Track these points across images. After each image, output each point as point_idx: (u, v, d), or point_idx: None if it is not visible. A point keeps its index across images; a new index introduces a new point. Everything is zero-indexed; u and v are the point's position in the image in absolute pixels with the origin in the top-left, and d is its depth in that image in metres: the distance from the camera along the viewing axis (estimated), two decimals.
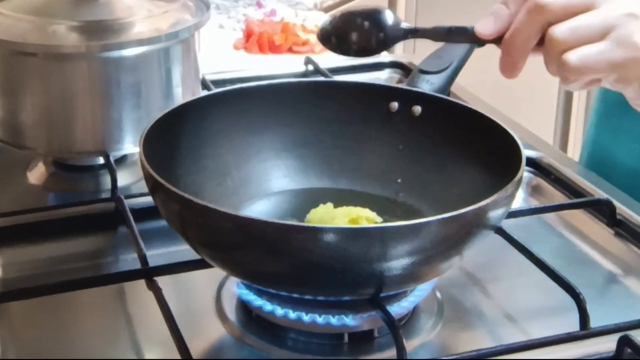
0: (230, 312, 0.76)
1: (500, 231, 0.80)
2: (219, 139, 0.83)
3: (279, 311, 0.71)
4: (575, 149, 2.49)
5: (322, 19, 1.51)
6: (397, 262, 0.65)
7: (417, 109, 0.83)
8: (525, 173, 0.87)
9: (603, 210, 0.90)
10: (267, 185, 0.85)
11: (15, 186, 0.97)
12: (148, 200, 0.75)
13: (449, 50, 0.93)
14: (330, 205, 0.78)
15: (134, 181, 0.95)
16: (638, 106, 0.80)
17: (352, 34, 0.79)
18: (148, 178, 0.70)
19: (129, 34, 0.90)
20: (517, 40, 0.72)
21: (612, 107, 1.06)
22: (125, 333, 0.75)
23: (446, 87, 0.88)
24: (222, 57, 1.34)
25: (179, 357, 0.67)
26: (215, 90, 0.89)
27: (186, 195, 0.66)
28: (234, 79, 1.15)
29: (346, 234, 0.64)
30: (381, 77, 1.26)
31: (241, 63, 1.32)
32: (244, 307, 0.76)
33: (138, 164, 0.84)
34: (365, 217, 0.77)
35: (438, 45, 0.95)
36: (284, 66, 1.25)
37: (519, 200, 0.96)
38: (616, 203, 0.89)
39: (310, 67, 1.21)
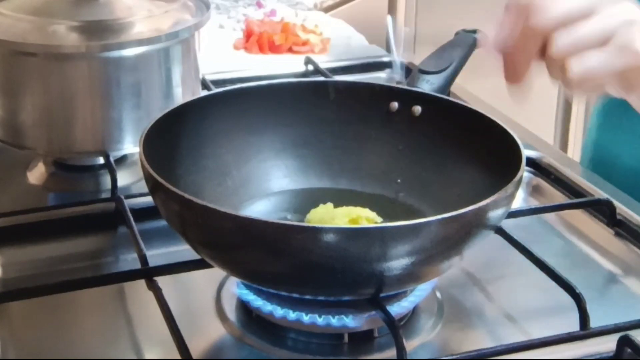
0: (230, 312, 0.76)
1: (500, 231, 0.80)
2: (219, 139, 0.83)
3: (279, 311, 0.71)
4: (575, 149, 2.48)
5: (323, 20, 1.51)
6: (397, 262, 0.65)
7: (417, 109, 0.83)
8: (525, 173, 0.87)
9: (603, 210, 0.90)
10: (267, 185, 0.85)
11: (15, 186, 0.97)
12: (148, 200, 0.75)
13: (449, 50, 0.93)
14: (330, 205, 0.78)
15: (134, 181, 0.95)
16: None
17: None
18: (148, 178, 0.70)
19: (129, 34, 0.90)
20: (519, 51, 0.72)
21: (613, 107, 1.06)
22: (125, 333, 0.75)
23: (446, 87, 0.88)
24: (222, 57, 1.34)
25: (179, 357, 0.67)
26: (215, 90, 0.89)
27: (186, 195, 0.66)
28: (234, 79, 1.15)
29: (346, 234, 0.64)
30: (381, 77, 1.26)
31: (241, 63, 1.31)
32: (244, 307, 0.76)
33: (138, 164, 0.84)
34: (365, 217, 0.77)
35: (438, 45, 0.95)
36: (284, 66, 1.25)
37: (519, 200, 0.96)
38: (616, 203, 0.89)
39: (310, 67, 1.21)
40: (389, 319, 0.68)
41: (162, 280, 0.74)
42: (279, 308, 0.71)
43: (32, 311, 0.76)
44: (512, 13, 0.74)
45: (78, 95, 0.90)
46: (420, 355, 0.71)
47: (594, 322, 0.72)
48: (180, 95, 0.95)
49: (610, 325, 0.72)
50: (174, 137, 0.80)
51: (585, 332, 0.72)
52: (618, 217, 0.89)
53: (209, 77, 1.10)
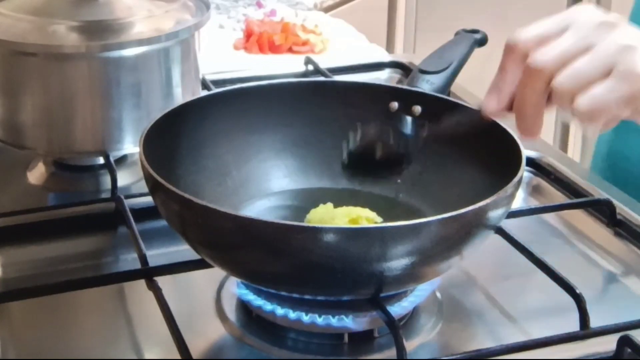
0: (230, 312, 0.76)
1: (500, 231, 0.80)
2: (219, 139, 0.83)
3: (279, 311, 0.71)
4: (575, 149, 2.49)
5: (323, 20, 1.51)
6: (397, 262, 0.65)
7: (417, 109, 0.83)
8: (525, 173, 0.87)
9: (603, 210, 0.90)
10: (267, 185, 0.85)
11: (15, 186, 0.97)
12: (148, 200, 0.75)
13: (449, 50, 0.93)
14: (330, 205, 0.78)
15: (134, 181, 0.95)
16: None
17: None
18: (148, 178, 0.70)
19: (129, 34, 0.90)
20: (527, 107, 0.72)
21: None
22: (125, 333, 0.75)
23: (446, 87, 0.88)
24: (222, 57, 1.34)
25: (179, 357, 0.67)
26: (215, 90, 0.89)
27: (186, 195, 0.66)
28: (234, 79, 1.15)
29: (346, 234, 0.64)
30: (381, 77, 1.26)
31: (241, 63, 1.32)
32: (244, 307, 0.76)
33: (138, 164, 0.84)
34: (365, 217, 0.77)
35: (438, 45, 0.95)
36: (284, 66, 1.25)
37: (519, 200, 0.96)
38: (616, 203, 0.89)
39: (310, 67, 1.21)
40: (389, 319, 0.68)
41: (162, 280, 0.75)
42: (279, 308, 0.71)
43: (32, 311, 0.76)
44: (511, 66, 0.73)
45: (78, 95, 0.90)
46: (420, 355, 0.71)
47: (594, 322, 0.72)
48: (180, 95, 0.95)
49: (610, 325, 0.72)
50: (174, 137, 0.80)
51: (585, 332, 0.72)
52: (618, 217, 0.89)
53: (209, 77, 1.10)
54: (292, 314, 0.71)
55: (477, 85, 1.17)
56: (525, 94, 0.72)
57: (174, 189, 0.67)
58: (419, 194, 0.83)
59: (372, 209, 0.78)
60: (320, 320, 0.71)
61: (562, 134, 2.50)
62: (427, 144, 0.82)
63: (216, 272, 0.75)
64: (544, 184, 0.98)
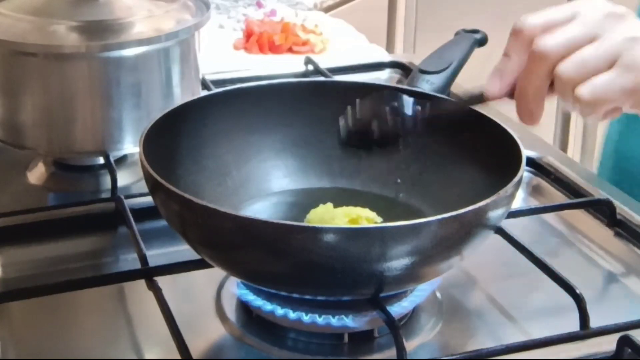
0: (230, 312, 0.76)
1: (500, 231, 0.80)
2: (219, 139, 0.83)
3: (279, 311, 0.71)
4: (575, 149, 2.49)
5: (323, 20, 1.51)
6: (397, 262, 0.65)
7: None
8: (525, 173, 0.87)
9: (603, 210, 0.90)
10: (267, 185, 0.85)
11: (15, 186, 0.97)
12: (148, 200, 0.75)
13: (449, 50, 0.93)
14: (330, 205, 0.78)
15: (134, 181, 0.95)
16: None
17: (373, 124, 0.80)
18: (148, 178, 0.70)
19: (129, 34, 0.90)
20: (529, 91, 0.72)
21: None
22: (125, 333, 0.75)
23: (446, 87, 0.88)
24: (222, 57, 1.34)
25: (179, 357, 0.67)
26: (215, 90, 0.89)
27: (186, 195, 0.66)
28: (234, 79, 1.15)
29: (346, 234, 0.64)
30: (381, 77, 1.26)
31: (241, 63, 1.32)
32: (244, 307, 0.76)
33: (138, 164, 0.84)
34: (365, 217, 0.77)
35: (438, 45, 0.95)
36: (284, 66, 1.25)
37: (519, 200, 0.96)
38: (616, 203, 0.89)
39: (310, 67, 1.21)
40: (389, 319, 0.68)
41: (162, 280, 0.74)
42: (279, 308, 0.71)
43: (32, 311, 0.76)
44: (515, 51, 0.73)
45: (78, 95, 0.90)
46: (420, 355, 0.71)
47: (594, 322, 0.72)
48: (180, 95, 0.95)
49: (610, 325, 0.72)
50: (174, 137, 0.80)
51: (585, 332, 0.72)
52: (618, 217, 0.89)
53: (209, 77, 1.10)
54: (292, 314, 0.71)
55: (477, 85, 1.17)
56: (528, 79, 0.72)
57: (174, 189, 0.67)
58: (419, 194, 0.83)
59: (372, 209, 0.78)
60: (320, 320, 0.70)
61: (562, 134, 2.50)
62: (427, 144, 0.82)
63: (216, 272, 0.74)
64: (544, 184, 0.98)
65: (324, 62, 1.21)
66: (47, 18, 0.90)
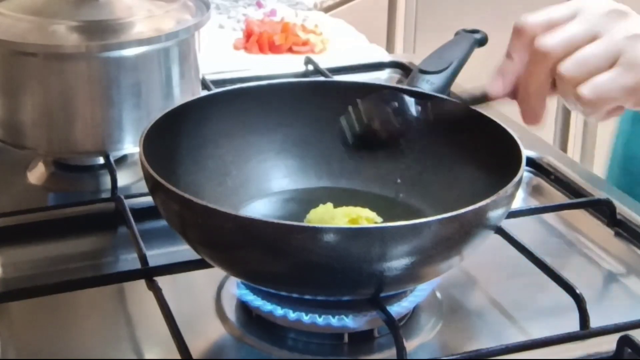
0: (230, 312, 0.76)
1: (500, 231, 0.80)
2: (219, 139, 0.83)
3: (279, 311, 0.71)
4: (575, 149, 2.49)
5: (323, 20, 1.51)
6: (397, 262, 0.65)
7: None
8: (525, 173, 0.87)
9: (603, 210, 0.90)
10: (267, 185, 0.85)
11: (15, 186, 0.97)
12: (148, 200, 0.75)
13: (449, 50, 0.92)
14: (330, 205, 0.78)
15: (134, 181, 0.95)
16: None
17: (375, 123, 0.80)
18: (148, 178, 0.70)
19: (129, 34, 0.90)
20: (531, 91, 0.72)
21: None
22: (125, 333, 0.75)
23: (446, 87, 0.88)
24: (222, 57, 1.34)
25: (179, 357, 0.67)
26: (215, 90, 0.89)
27: (186, 195, 0.66)
28: (234, 79, 1.15)
29: (346, 234, 0.64)
30: (381, 77, 1.26)
31: (241, 63, 1.32)
32: (244, 307, 0.76)
33: (138, 164, 0.84)
34: (365, 217, 0.77)
35: (438, 45, 0.95)
36: (284, 66, 1.25)
37: (519, 200, 0.96)
38: (616, 203, 0.89)
39: (310, 67, 1.21)
40: (389, 319, 0.68)
41: (162, 280, 0.74)
42: (278, 308, 0.71)
43: (32, 311, 0.76)
44: (517, 51, 0.73)
45: (78, 95, 0.90)
46: (420, 355, 0.71)
47: (594, 322, 0.72)
48: (180, 95, 0.95)
49: (610, 325, 0.72)
50: (174, 137, 0.80)
51: (585, 332, 0.72)
52: (618, 217, 0.89)
53: (209, 77, 1.10)
54: (292, 314, 0.71)
55: (477, 85, 1.17)
56: (530, 79, 0.72)
57: (174, 189, 0.67)
58: (419, 194, 0.83)
59: (372, 209, 0.78)
60: (320, 320, 0.70)
61: (562, 134, 2.50)
62: (427, 144, 0.82)
63: (216, 272, 0.74)
64: (544, 184, 0.98)
65: (324, 62, 1.21)
66: (47, 18, 0.90)
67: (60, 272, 0.82)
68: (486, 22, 1.19)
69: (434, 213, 0.68)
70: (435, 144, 0.82)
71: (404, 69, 1.25)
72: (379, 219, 0.78)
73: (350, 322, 0.71)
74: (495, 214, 0.68)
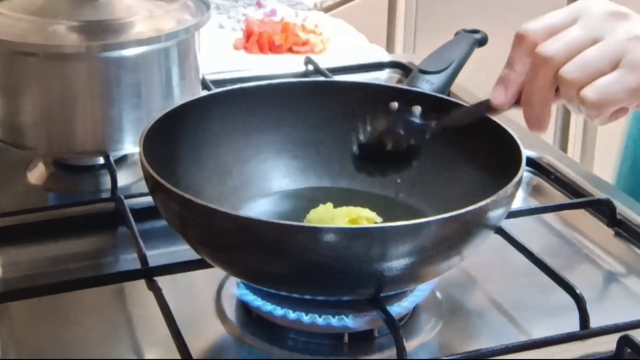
0: (230, 312, 0.76)
1: (500, 231, 0.80)
2: (219, 139, 0.83)
3: (279, 311, 0.71)
4: (575, 149, 2.49)
5: (323, 20, 1.51)
6: (397, 262, 0.65)
7: (417, 109, 0.83)
8: (525, 173, 0.87)
9: (603, 210, 0.90)
10: (267, 185, 0.85)
11: (15, 186, 0.97)
12: (148, 200, 0.75)
13: (449, 50, 0.93)
14: (330, 205, 0.78)
15: (134, 181, 0.95)
16: None
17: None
18: (148, 178, 0.70)
19: (129, 34, 0.90)
20: (535, 98, 0.72)
21: None
22: (125, 333, 0.75)
23: (446, 87, 0.88)
24: (222, 57, 1.34)
25: (179, 357, 0.67)
26: (215, 90, 0.89)
27: (186, 195, 0.66)
28: (234, 79, 1.15)
29: (346, 234, 0.64)
30: (381, 77, 1.26)
31: (241, 63, 1.31)
32: (244, 307, 0.76)
33: (138, 164, 0.84)
34: (365, 217, 0.77)
35: (438, 45, 0.95)
36: (284, 66, 1.25)
37: (519, 200, 0.96)
38: (616, 203, 0.89)
39: (310, 67, 1.21)
40: (389, 319, 0.68)
41: (162, 280, 0.74)
42: (278, 308, 0.71)
43: (32, 311, 0.76)
44: (518, 60, 0.73)
45: (78, 95, 0.90)
46: (420, 355, 0.71)
47: (594, 322, 0.72)
48: (180, 95, 0.95)
49: (610, 325, 0.72)
50: (174, 137, 0.80)
51: (585, 332, 0.72)
52: (618, 217, 0.89)
53: (209, 77, 1.10)
54: (292, 314, 0.71)
55: (477, 85, 1.17)
56: (533, 85, 0.71)
57: (174, 189, 0.67)
58: (419, 194, 0.83)
59: (372, 209, 0.78)
60: (320, 320, 0.70)
61: (562, 134, 2.50)
62: (427, 144, 0.82)
63: (216, 272, 0.75)
64: (544, 184, 0.98)
65: (324, 62, 1.21)
66: (47, 18, 0.90)
67: (60, 272, 0.82)
68: (486, 22, 1.19)
69: (434, 213, 0.68)
70: (435, 144, 0.82)
71: (404, 69, 1.25)
72: (379, 219, 0.78)
73: (351, 322, 0.71)
74: (495, 214, 0.68)
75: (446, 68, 0.89)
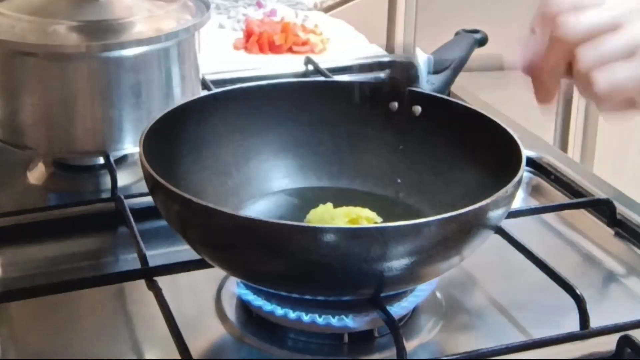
0: (230, 312, 0.76)
1: (500, 231, 0.80)
2: (219, 139, 0.83)
3: (279, 311, 0.71)
4: (575, 149, 2.49)
5: (323, 20, 1.51)
6: (397, 262, 0.65)
7: (417, 109, 0.83)
8: (525, 173, 0.87)
9: (603, 210, 0.90)
10: (267, 185, 0.85)
11: (15, 186, 0.97)
12: (148, 200, 0.75)
13: (449, 50, 0.93)
14: (330, 205, 0.78)
15: (134, 181, 0.95)
16: None
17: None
18: (148, 178, 0.70)
19: (129, 34, 0.90)
20: (546, 68, 0.72)
21: None
22: (125, 333, 0.75)
23: (446, 87, 0.88)
24: (222, 57, 1.34)
25: (179, 357, 0.67)
26: (215, 90, 0.89)
27: (186, 195, 0.66)
28: (234, 79, 1.15)
29: (346, 234, 0.64)
30: (381, 77, 1.26)
31: (241, 63, 1.31)
32: (244, 307, 0.76)
33: (138, 164, 0.84)
34: (365, 217, 0.77)
35: (438, 45, 0.95)
36: (284, 66, 1.25)
37: (519, 200, 0.96)
38: (616, 203, 0.89)
39: (310, 67, 1.21)
40: (389, 319, 0.68)
41: (162, 280, 0.74)
42: (279, 308, 0.71)
43: (32, 311, 0.76)
44: (539, 26, 0.73)
45: (78, 95, 0.90)
46: (420, 355, 0.71)
47: (594, 322, 0.72)
48: (180, 95, 0.95)
49: (610, 325, 0.72)
50: (174, 137, 0.80)
51: (585, 332, 0.72)
52: (618, 217, 0.89)
53: (209, 77, 1.10)
54: (292, 314, 0.71)
55: (477, 85, 1.17)
56: (546, 57, 0.72)
57: (174, 189, 0.67)
58: (419, 194, 0.83)
59: (372, 209, 0.78)
60: (320, 320, 0.70)
61: (562, 134, 2.50)
62: (427, 144, 0.82)
63: (216, 272, 0.74)
64: (544, 184, 0.98)
65: (324, 62, 1.21)
66: (47, 18, 0.90)
67: (60, 272, 0.82)
68: (486, 22, 1.19)
69: (434, 213, 0.68)
70: (435, 143, 0.82)
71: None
72: (379, 219, 0.78)
73: (351, 322, 0.71)
74: (495, 214, 0.68)
75: (446, 68, 0.89)
